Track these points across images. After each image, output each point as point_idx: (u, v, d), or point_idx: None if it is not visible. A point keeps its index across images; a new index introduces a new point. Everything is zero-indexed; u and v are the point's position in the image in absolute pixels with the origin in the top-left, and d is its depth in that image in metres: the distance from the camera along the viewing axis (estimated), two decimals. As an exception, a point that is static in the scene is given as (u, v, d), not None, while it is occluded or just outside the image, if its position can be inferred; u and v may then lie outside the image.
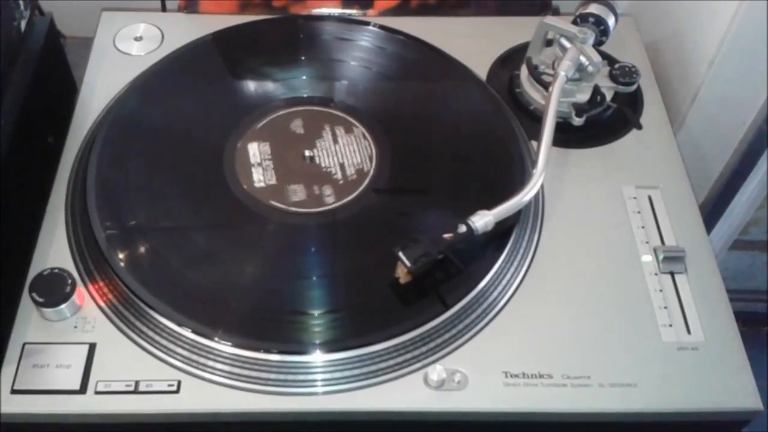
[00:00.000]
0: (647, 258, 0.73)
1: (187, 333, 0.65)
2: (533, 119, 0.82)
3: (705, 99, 0.89)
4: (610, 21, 0.82)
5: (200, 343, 0.65)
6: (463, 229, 0.68)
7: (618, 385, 0.65)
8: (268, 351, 0.64)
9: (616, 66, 0.82)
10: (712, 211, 1.01)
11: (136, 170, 0.76)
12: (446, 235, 0.68)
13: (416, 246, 0.67)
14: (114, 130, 0.78)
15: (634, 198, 0.77)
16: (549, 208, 0.76)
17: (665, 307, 0.70)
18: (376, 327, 0.66)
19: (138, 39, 0.88)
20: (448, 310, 0.67)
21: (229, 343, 0.65)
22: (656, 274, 0.72)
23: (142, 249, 0.70)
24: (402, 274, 0.67)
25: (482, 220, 0.68)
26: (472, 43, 0.89)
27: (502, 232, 0.71)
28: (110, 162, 0.76)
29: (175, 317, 0.66)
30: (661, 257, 0.72)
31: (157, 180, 0.76)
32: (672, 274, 0.72)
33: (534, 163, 0.73)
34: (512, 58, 0.88)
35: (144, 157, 0.77)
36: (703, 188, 0.99)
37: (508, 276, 0.70)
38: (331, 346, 0.65)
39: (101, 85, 0.84)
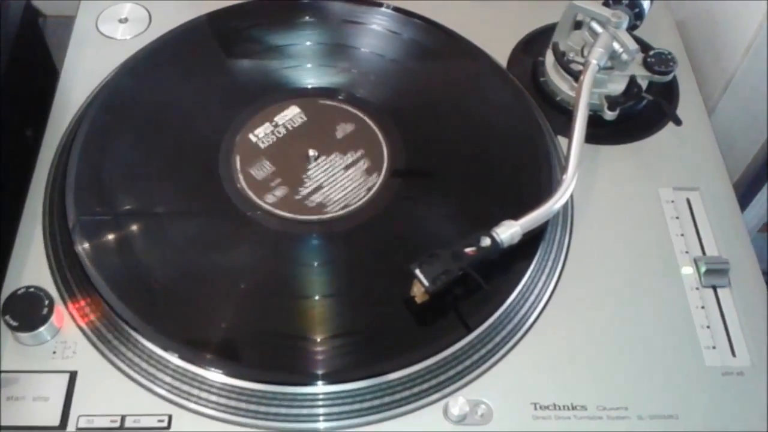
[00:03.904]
0: (687, 270, 0.67)
1: (176, 360, 0.59)
2: (560, 111, 0.76)
3: (739, 86, 0.83)
4: (645, 3, 0.75)
5: (191, 372, 0.58)
6: (486, 242, 0.61)
7: (658, 416, 0.59)
8: (266, 381, 0.58)
9: (651, 53, 0.75)
10: (739, 202, 0.95)
11: (122, 171, 0.69)
12: (468, 249, 0.61)
13: (435, 262, 0.60)
14: (97, 125, 0.71)
15: (672, 201, 0.71)
16: (578, 215, 0.69)
17: (708, 327, 0.64)
18: (389, 353, 0.59)
19: (123, 21, 0.81)
20: (471, 332, 0.60)
21: (221, 371, 0.58)
22: (697, 288, 0.66)
23: (127, 263, 0.63)
24: (418, 292, 0.61)
25: (508, 232, 0.62)
26: (490, 25, 0.82)
27: (528, 242, 0.64)
28: (93, 161, 0.68)
29: (162, 341, 0.59)
30: (703, 270, 0.66)
31: (147, 183, 0.69)
32: (714, 288, 0.66)
33: (564, 163, 0.66)
34: (535, 42, 0.81)
35: (131, 156, 0.70)
36: (731, 178, 0.92)
37: (535, 293, 0.64)
38: (337, 376, 0.58)
39: (82, 73, 0.77)
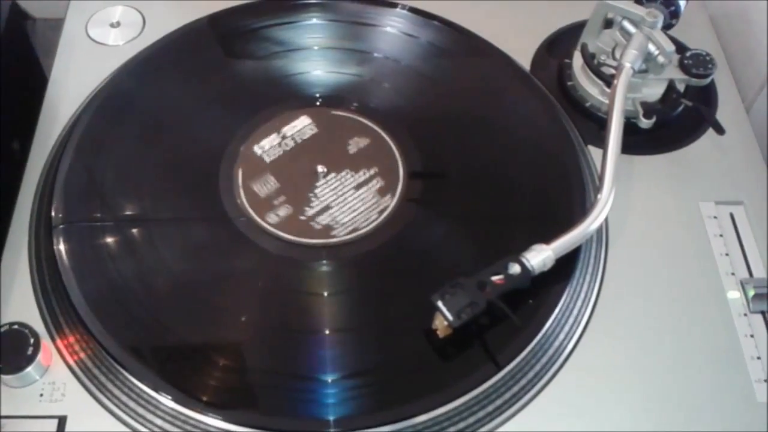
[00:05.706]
0: (734, 294, 0.61)
1: (170, 402, 0.53)
2: (589, 118, 0.70)
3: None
4: (682, 0, 0.69)
5: (187, 417, 0.53)
6: (516, 269, 0.56)
7: (706, 458, 0.54)
8: (270, 429, 0.53)
9: (688, 54, 0.69)
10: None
11: (115, 191, 0.63)
12: (495, 278, 0.55)
13: (459, 293, 0.54)
14: (88, 139, 0.65)
15: (714, 217, 0.65)
16: (613, 232, 0.64)
17: (758, 358, 0.59)
18: (409, 395, 0.54)
19: (114, 25, 0.76)
20: (500, 370, 0.55)
21: (219, 417, 0.53)
22: (745, 314, 0.61)
23: (118, 295, 0.58)
24: (441, 326, 0.55)
25: (539, 257, 0.56)
26: (511, 24, 0.77)
27: (559, 264, 0.58)
28: (83, 180, 0.63)
29: (154, 381, 0.54)
30: (750, 294, 0.61)
31: (143, 204, 0.63)
32: (764, 314, 0.61)
33: (597, 178, 0.61)
34: (561, 42, 0.76)
35: (126, 175, 0.64)
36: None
37: (569, 324, 0.58)
38: (350, 422, 0.53)
39: (72, 83, 0.72)
